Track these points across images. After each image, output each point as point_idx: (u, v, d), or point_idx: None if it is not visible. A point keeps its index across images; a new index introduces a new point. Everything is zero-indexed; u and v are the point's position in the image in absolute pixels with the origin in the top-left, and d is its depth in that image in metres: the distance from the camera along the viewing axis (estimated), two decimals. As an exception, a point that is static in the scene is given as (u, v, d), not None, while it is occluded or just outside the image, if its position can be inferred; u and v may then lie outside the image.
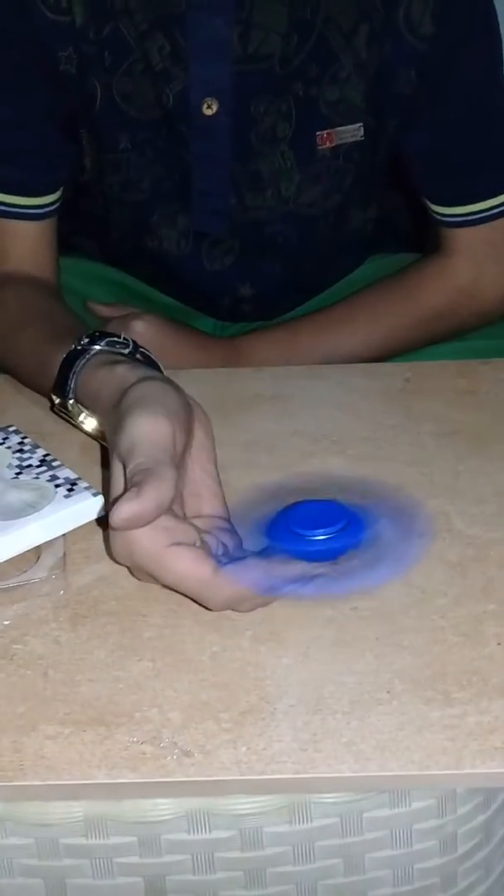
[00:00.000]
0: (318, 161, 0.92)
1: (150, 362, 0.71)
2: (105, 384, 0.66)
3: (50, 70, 0.86)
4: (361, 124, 0.91)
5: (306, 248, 0.99)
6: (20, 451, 0.70)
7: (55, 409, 0.73)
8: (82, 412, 0.70)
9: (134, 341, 0.71)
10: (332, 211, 0.96)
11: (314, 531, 0.59)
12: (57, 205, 0.93)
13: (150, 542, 0.56)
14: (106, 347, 0.70)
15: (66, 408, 0.71)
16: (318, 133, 0.90)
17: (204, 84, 0.87)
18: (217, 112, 0.88)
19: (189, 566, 0.56)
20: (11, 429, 0.72)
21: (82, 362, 0.70)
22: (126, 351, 0.70)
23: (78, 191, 0.96)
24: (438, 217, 0.98)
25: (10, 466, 0.68)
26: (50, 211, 0.92)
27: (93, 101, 0.88)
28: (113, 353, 0.70)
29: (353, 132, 0.91)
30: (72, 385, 0.70)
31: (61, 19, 0.84)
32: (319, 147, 0.91)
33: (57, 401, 0.72)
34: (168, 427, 0.58)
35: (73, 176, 0.94)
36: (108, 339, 0.70)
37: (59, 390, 0.71)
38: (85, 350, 0.70)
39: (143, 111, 0.89)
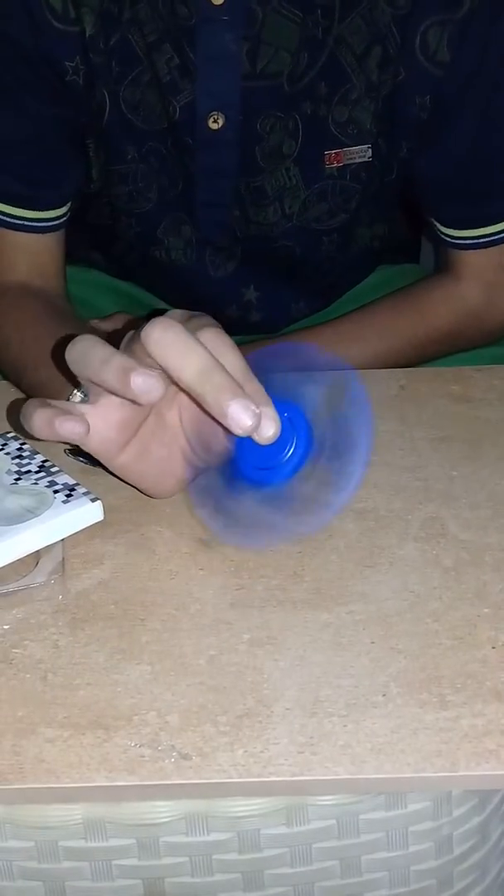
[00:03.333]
0: (325, 179, 0.91)
1: None
2: None
3: (57, 81, 0.86)
4: (370, 146, 0.90)
5: (311, 261, 0.99)
6: (19, 457, 0.70)
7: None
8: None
9: None
10: (337, 228, 0.96)
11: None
12: (65, 218, 0.93)
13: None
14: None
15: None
16: (326, 153, 0.89)
17: (211, 98, 0.86)
18: (223, 126, 0.87)
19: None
20: (10, 435, 0.73)
21: None
22: None
23: (85, 201, 0.96)
24: (447, 239, 0.97)
25: (9, 472, 0.68)
26: (58, 224, 0.92)
27: (101, 112, 0.88)
28: None
29: (361, 153, 0.90)
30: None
31: (70, 29, 0.83)
32: (327, 166, 0.90)
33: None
34: None
35: (82, 188, 0.94)
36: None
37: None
38: None
39: (149, 121, 0.89)
